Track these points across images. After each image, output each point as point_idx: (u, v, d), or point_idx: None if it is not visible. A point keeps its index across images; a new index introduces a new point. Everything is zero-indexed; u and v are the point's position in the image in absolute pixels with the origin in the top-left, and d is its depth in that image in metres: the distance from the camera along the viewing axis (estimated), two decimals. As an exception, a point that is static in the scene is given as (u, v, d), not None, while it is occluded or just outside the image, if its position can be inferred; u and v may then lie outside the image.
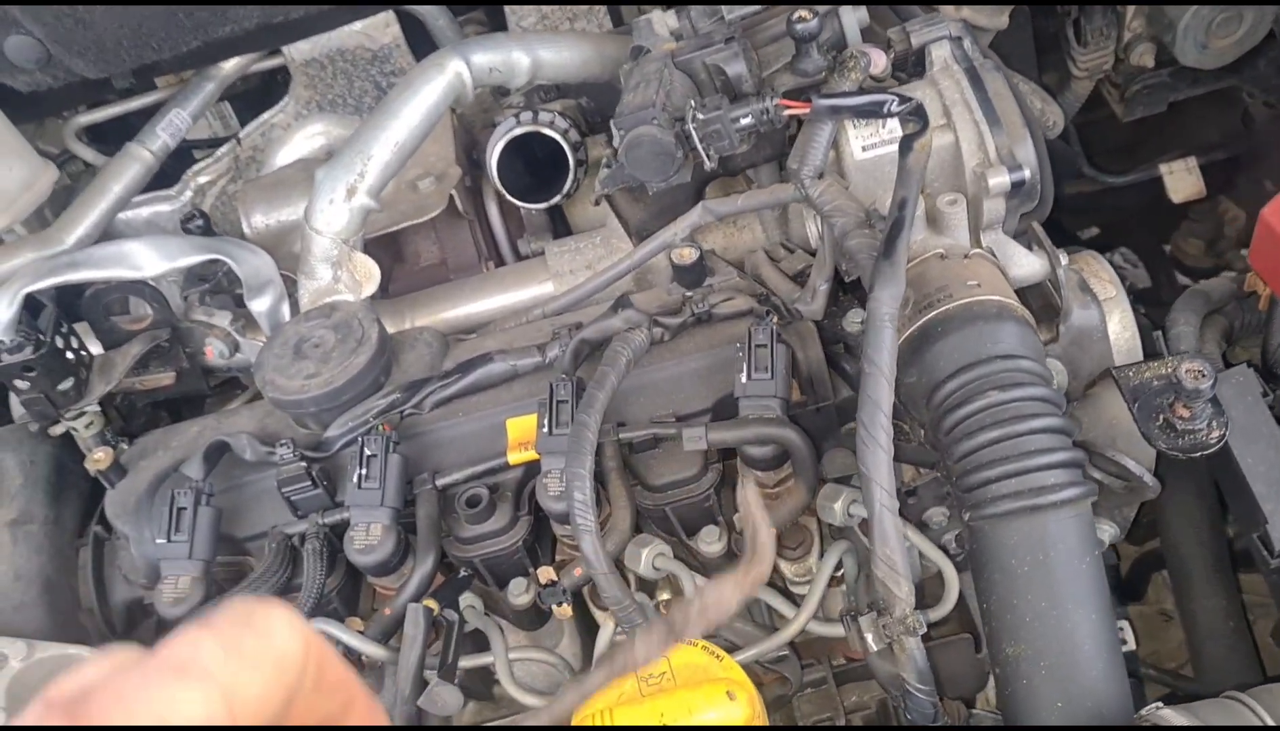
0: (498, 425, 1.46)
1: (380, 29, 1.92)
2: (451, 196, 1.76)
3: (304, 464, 1.41)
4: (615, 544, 1.35)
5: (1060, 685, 1.12)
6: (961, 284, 1.27)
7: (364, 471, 1.39)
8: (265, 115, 2.00)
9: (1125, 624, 1.57)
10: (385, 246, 1.82)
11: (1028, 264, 1.40)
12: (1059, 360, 1.40)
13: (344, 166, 1.55)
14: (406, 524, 1.42)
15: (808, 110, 1.30)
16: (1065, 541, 1.14)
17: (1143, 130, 2.38)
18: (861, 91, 1.34)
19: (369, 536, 1.38)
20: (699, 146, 1.32)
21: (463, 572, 1.45)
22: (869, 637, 1.20)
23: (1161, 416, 1.22)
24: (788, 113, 1.32)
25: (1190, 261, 2.66)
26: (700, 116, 1.31)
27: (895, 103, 1.31)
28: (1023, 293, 1.43)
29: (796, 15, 1.35)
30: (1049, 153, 2.27)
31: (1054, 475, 1.14)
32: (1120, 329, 1.45)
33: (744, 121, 1.32)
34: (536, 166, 1.78)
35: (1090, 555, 1.15)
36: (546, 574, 1.39)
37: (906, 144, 1.30)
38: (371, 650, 1.37)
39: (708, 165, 1.33)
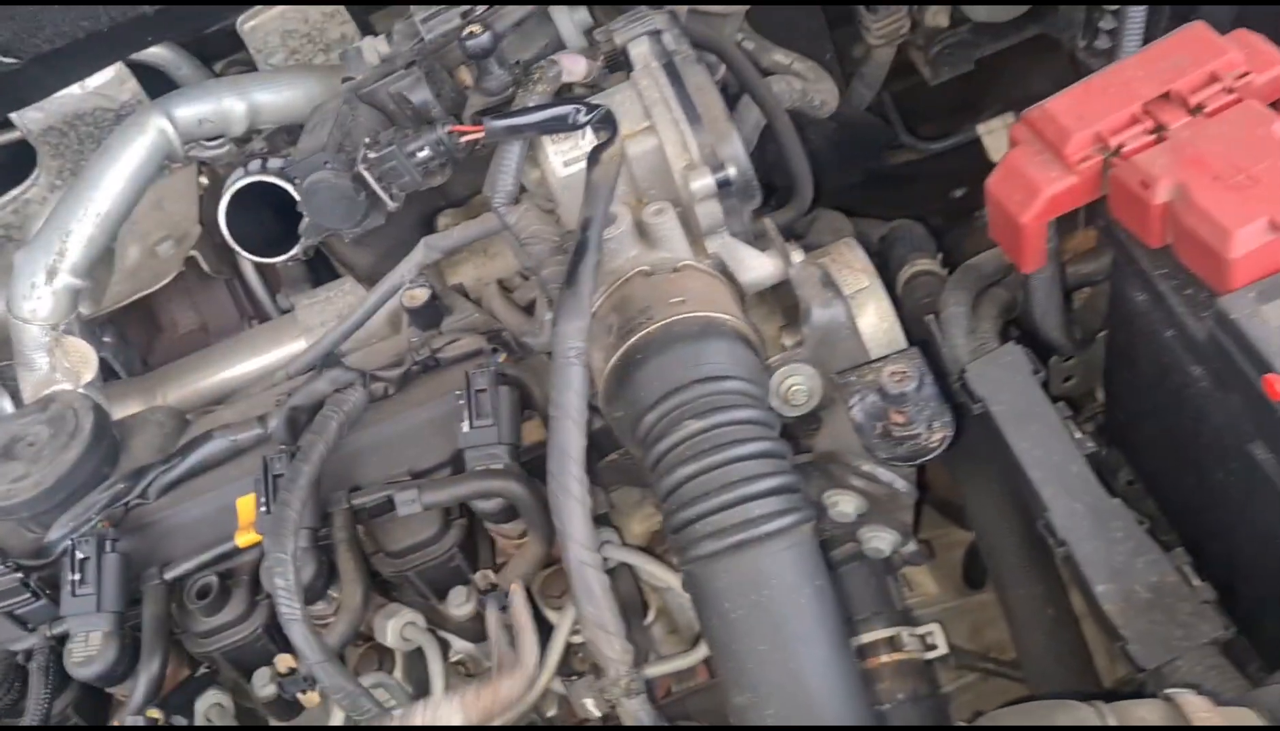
0: (228, 506, 1.36)
1: (116, 87, 1.80)
2: (195, 257, 1.65)
3: (19, 575, 1.32)
4: (347, 623, 1.25)
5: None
6: (664, 302, 1.16)
7: (77, 577, 1.29)
8: (15, 191, 1.87)
9: (936, 626, 1.48)
10: (139, 318, 1.72)
11: (760, 266, 1.30)
12: (809, 364, 1.30)
13: (41, 247, 1.45)
14: (138, 624, 1.32)
15: (482, 133, 1.20)
16: (780, 576, 1.04)
17: (966, 90, 2.27)
18: (542, 106, 1.23)
19: (88, 646, 1.28)
20: (375, 187, 1.21)
21: (201, 670, 1.35)
22: (588, 703, 1.10)
23: (880, 424, 1.12)
24: (465, 139, 1.21)
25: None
26: (371, 156, 1.21)
27: (581, 112, 1.21)
28: (769, 296, 1.34)
29: (466, 31, 1.23)
30: (858, 127, 2.17)
31: (760, 505, 1.04)
32: (877, 320, 1.34)
33: (422, 154, 1.22)
34: (285, 214, 1.66)
35: (811, 586, 1.05)
36: (285, 661, 1.30)
37: (593, 156, 1.20)
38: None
39: (390, 206, 1.22)
